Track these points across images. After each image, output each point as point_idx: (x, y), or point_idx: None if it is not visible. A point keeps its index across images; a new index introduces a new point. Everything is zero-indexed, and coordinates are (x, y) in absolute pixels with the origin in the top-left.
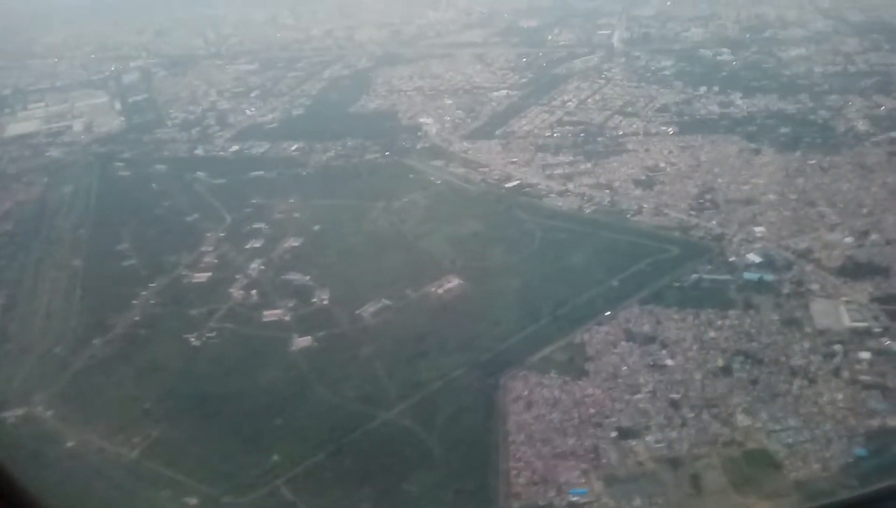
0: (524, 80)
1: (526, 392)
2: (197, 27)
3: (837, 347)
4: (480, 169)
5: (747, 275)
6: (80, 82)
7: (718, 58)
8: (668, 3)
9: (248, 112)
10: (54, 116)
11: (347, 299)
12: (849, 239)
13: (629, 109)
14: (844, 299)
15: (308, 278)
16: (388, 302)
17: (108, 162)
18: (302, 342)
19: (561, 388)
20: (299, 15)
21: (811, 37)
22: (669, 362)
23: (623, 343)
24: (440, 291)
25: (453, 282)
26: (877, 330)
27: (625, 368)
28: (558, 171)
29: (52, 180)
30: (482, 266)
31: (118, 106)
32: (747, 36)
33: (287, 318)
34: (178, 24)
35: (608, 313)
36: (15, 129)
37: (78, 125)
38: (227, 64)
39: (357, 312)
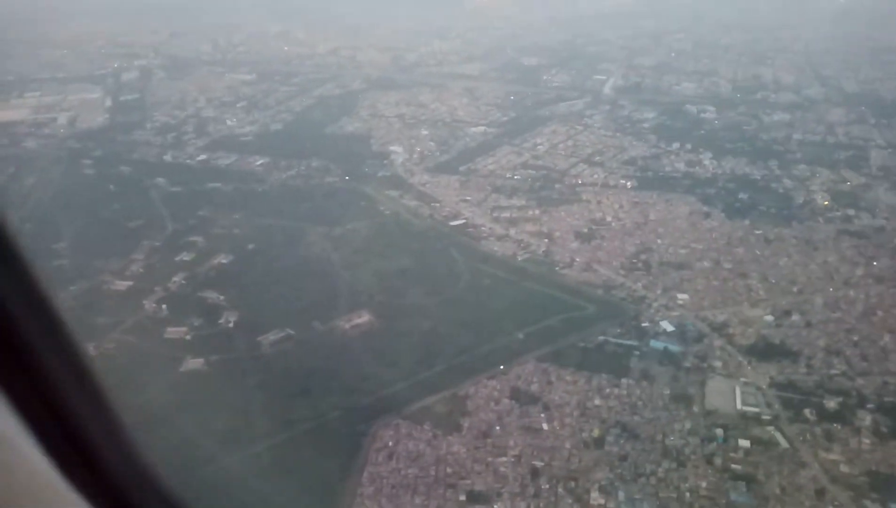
0: (505, 118)
1: (391, 443)
2: (211, 33)
3: (719, 431)
4: (432, 204)
5: (654, 343)
6: (81, 76)
7: (702, 115)
8: (673, 55)
9: (228, 122)
10: (44, 106)
11: (253, 324)
12: (769, 317)
13: (596, 158)
14: (743, 380)
15: (223, 297)
16: (291, 332)
17: (77, 158)
18: (193, 363)
19: (428, 442)
20: (312, 31)
21: (800, 103)
22: (545, 426)
23: (506, 401)
24: (347, 325)
25: (363, 318)
26: (766, 417)
27: (498, 428)
28: (506, 214)
29: (16, 171)
30: (398, 304)
31: (108, 103)
32: (738, 96)
33: (188, 337)
34: (195, 28)
35: (502, 366)
36: (3, 115)
37: (63, 118)
38: (227, 72)
39: (258, 338)
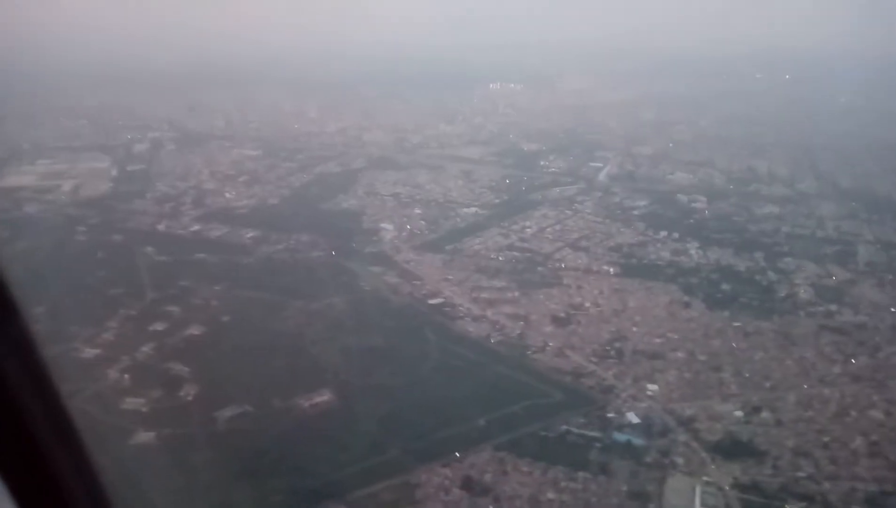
0: (497, 200)
1: None
2: (228, 109)
3: None
4: (414, 281)
5: (617, 436)
6: (94, 145)
7: (692, 204)
8: (671, 145)
9: (227, 195)
10: (52, 174)
11: (212, 399)
12: (738, 413)
13: (582, 243)
14: (705, 479)
15: (187, 370)
16: (249, 408)
17: (72, 225)
18: (145, 436)
19: None
20: (325, 110)
21: (792, 196)
22: None
23: (456, 490)
24: (307, 404)
25: (324, 397)
26: None
27: None
28: (486, 295)
29: (10, 235)
30: (362, 384)
31: (114, 173)
32: (731, 187)
33: (145, 409)
34: (214, 103)
35: (458, 454)
36: (11, 181)
37: (67, 186)
38: (235, 147)
39: (214, 414)
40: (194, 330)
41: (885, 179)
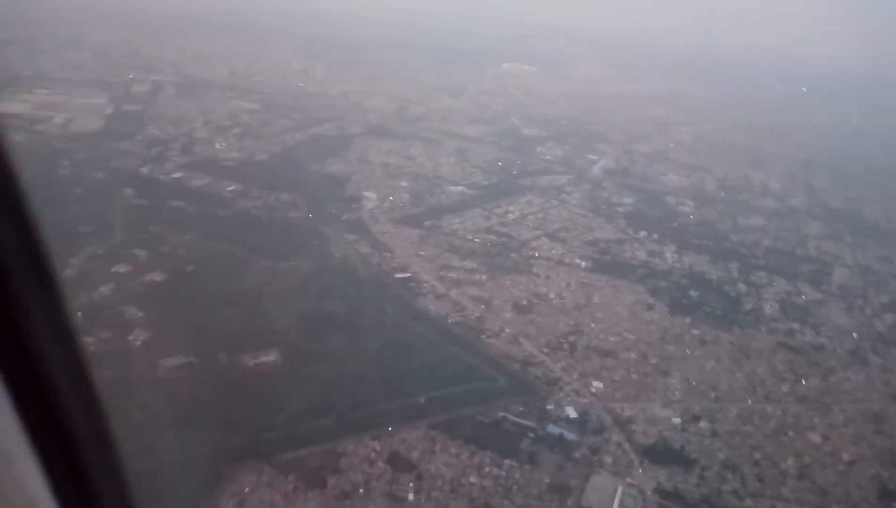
0: (486, 182)
1: (248, 489)
2: (235, 59)
3: None
4: (384, 253)
5: (551, 428)
6: (94, 80)
7: (679, 207)
8: (671, 145)
9: (216, 146)
10: (47, 104)
11: (160, 346)
12: (676, 420)
13: (561, 234)
14: (629, 480)
15: (141, 314)
16: (194, 360)
17: (57, 158)
18: None
19: (285, 494)
20: (333, 72)
21: (780, 210)
22: (411, 496)
23: (381, 464)
24: (252, 362)
25: (271, 357)
26: None
27: (362, 490)
28: (453, 274)
29: None
30: (311, 348)
31: (109, 110)
32: (721, 194)
33: (91, 349)
34: (223, 52)
35: (391, 428)
36: (5, 107)
37: (60, 118)
38: (234, 98)
39: (158, 361)
40: (156, 276)
41: (876, 205)
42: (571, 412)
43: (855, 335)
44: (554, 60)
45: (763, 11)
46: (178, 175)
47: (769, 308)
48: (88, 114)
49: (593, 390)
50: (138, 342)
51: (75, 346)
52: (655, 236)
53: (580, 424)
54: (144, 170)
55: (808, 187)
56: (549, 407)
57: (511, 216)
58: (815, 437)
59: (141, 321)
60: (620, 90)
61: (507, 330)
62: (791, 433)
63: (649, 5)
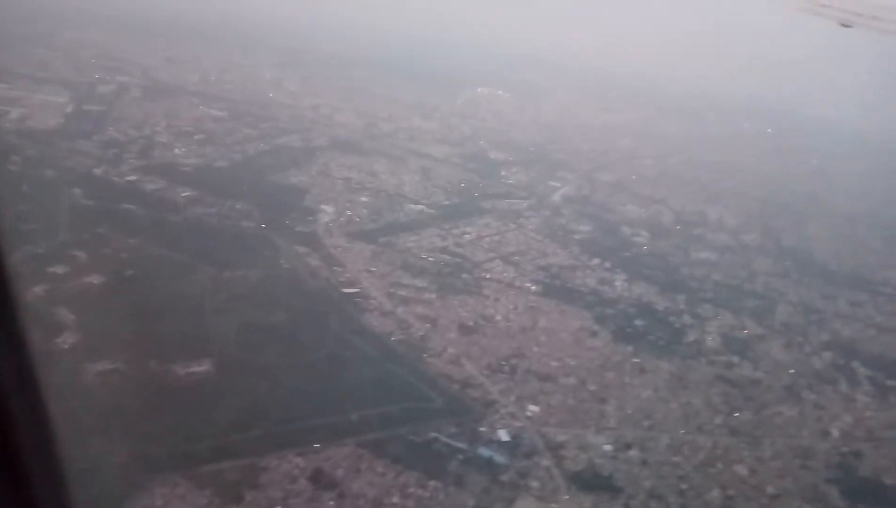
0: (447, 202)
1: (161, 503)
2: (207, 65)
3: None
4: (335, 267)
5: (482, 450)
6: (58, 78)
7: (634, 238)
8: (634, 177)
9: (176, 151)
10: (4, 99)
11: (89, 351)
12: (608, 447)
13: (515, 257)
14: (554, 506)
15: (73, 317)
16: (122, 366)
17: (7, 154)
18: None
19: (208, 506)
20: (307, 84)
21: (733, 246)
22: None
23: (303, 481)
24: (183, 372)
25: (203, 367)
26: None
27: (279, 507)
28: (402, 292)
29: None
30: (246, 360)
31: (69, 109)
32: (677, 227)
33: None
34: (196, 58)
35: (318, 445)
36: None
37: (16, 114)
38: (201, 104)
39: (85, 366)
40: (94, 279)
41: (826, 246)
42: (504, 436)
43: (792, 371)
44: (531, 88)
45: (747, 55)
46: (132, 178)
47: (711, 341)
48: (47, 111)
49: (529, 414)
50: (66, 346)
51: (24, 351)
52: (608, 264)
53: (511, 447)
54: (98, 171)
55: (763, 225)
56: (483, 429)
57: (467, 237)
58: (742, 470)
59: (72, 323)
60: (593, 120)
61: (449, 350)
62: (719, 465)
63: (641, 43)
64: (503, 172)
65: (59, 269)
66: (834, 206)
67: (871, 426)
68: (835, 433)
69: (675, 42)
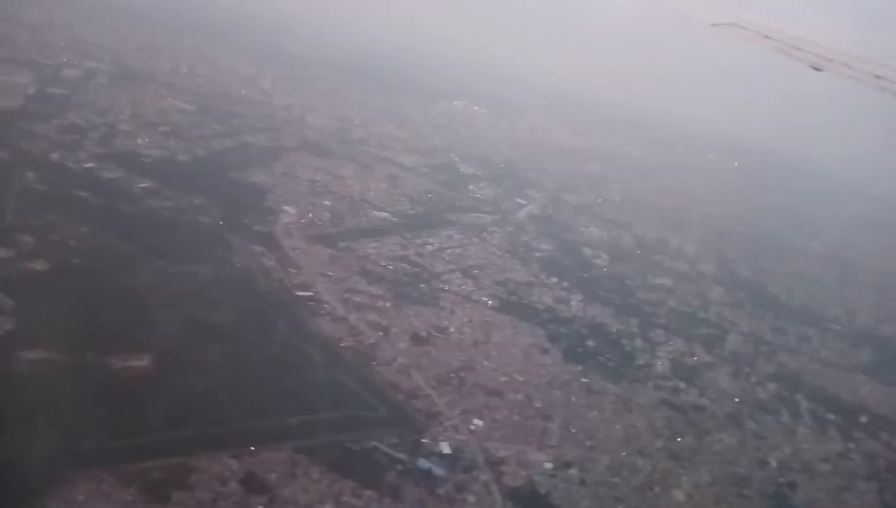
0: (412, 212)
1: (82, 498)
2: (180, 57)
3: None
4: (290, 269)
5: (421, 462)
6: (23, 59)
7: (594, 260)
8: (599, 200)
9: (139, 141)
10: None
11: (23, 338)
12: (548, 465)
13: (474, 271)
14: None
15: (12, 303)
16: (56, 356)
17: None
18: None
19: (131, 505)
20: (281, 84)
21: (689, 274)
22: None
23: (234, 484)
24: (120, 365)
25: (142, 362)
26: None
27: None
28: (357, 298)
29: None
30: (188, 358)
31: (31, 91)
32: (637, 252)
33: None
34: (169, 48)
35: (254, 448)
36: None
37: None
38: (170, 96)
39: (18, 353)
40: (38, 265)
41: (781, 279)
42: (445, 448)
43: (737, 399)
44: (507, 105)
45: (722, 92)
46: (89, 165)
47: (660, 366)
48: (7, 92)
49: (473, 427)
50: (1, 332)
51: None
52: (566, 283)
53: (452, 460)
54: (54, 155)
55: (720, 256)
56: (425, 441)
57: (429, 248)
58: (679, 494)
59: (9, 309)
60: (564, 142)
61: (399, 360)
62: (657, 489)
63: (628, 71)
64: (471, 186)
65: (3, 253)
66: (791, 242)
67: (807, 459)
68: (773, 462)
69: (653, 74)
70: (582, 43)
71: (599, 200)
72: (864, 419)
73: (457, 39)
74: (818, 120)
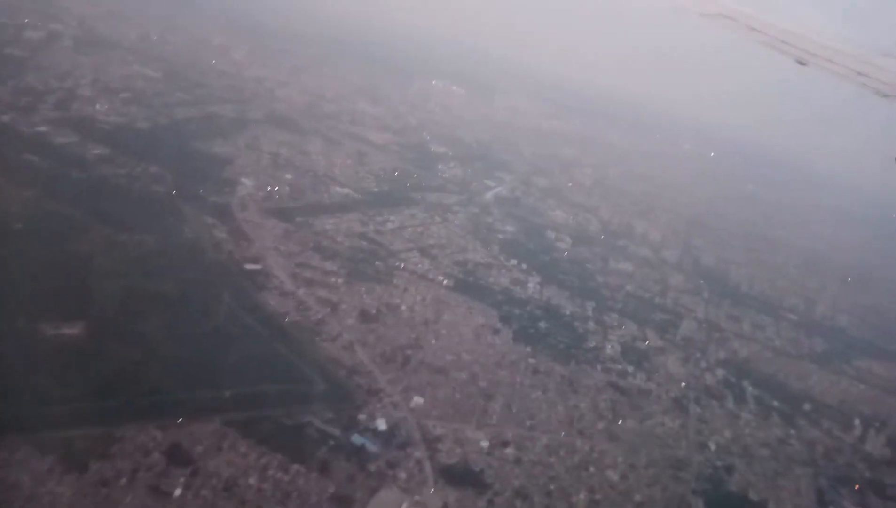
0: (376, 189)
1: None
2: (150, 23)
3: None
4: (241, 242)
5: (354, 438)
6: None
7: (557, 243)
8: (570, 184)
9: (97, 106)
10: None
11: None
12: (484, 443)
13: (433, 250)
14: (417, 498)
15: None
16: None
17: None
18: None
19: (37, 476)
20: (254, 56)
21: (652, 260)
22: (178, 492)
23: (157, 455)
24: (52, 332)
25: (75, 329)
26: None
27: (125, 480)
28: (308, 274)
29: None
30: (125, 327)
31: None
32: (602, 236)
33: None
34: (140, 14)
35: (181, 419)
36: None
37: None
38: (136, 62)
39: None
40: None
41: (744, 268)
42: (382, 425)
43: (683, 384)
44: (488, 87)
45: (706, 82)
46: (42, 129)
47: (610, 349)
48: None
49: (412, 405)
50: None
51: None
52: (524, 265)
53: (387, 437)
54: (5, 118)
55: (685, 243)
56: (361, 417)
57: (390, 226)
58: (613, 475)
59: None
60: (541, 126)
61: (345, 336)
62: (592, 469)
63: (614, 58)
64: (440, 166)
65: None
66: (759, 231)
67: (748, 443)
68: (712, 446)
69: (640, 62)
70: (572, 29)
71: (570, 183)
72: (807, 406)
73: (445, 21)
74: (799, 113)
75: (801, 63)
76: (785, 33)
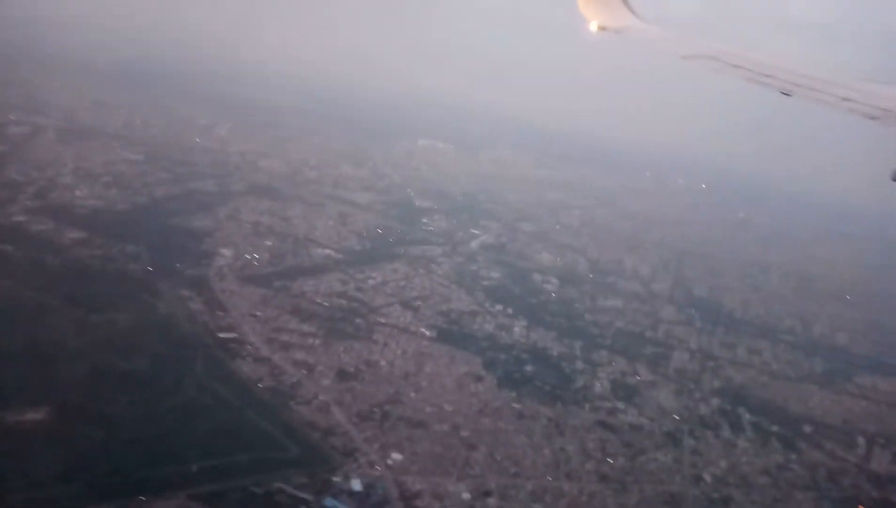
0: (359, 248)
1: None
2: (136, 110)
3: None
4: (217, 312)
5: (328, 501)
6: None
7: (544, 285)
8: (557, 227)
9: (76, 193)
10: None
11: None
12: (466, 495)
13: (416, 302)
14: None
15: None
16: None
17: None
18: None
19: None
20: (239, 131)
21: (642, 294)
22: None
23: None
24: (14, 419)
25: (39, 415)
26: None
27: None
28: (284, 337)
29: None
30: (91, 409)
31: None
32: (590, 275)
33: None
34: (126, 100)
35: (144, 497)
36: None
37: None
38: (119, 147)
39: None
40: None
41: (737, 294)
42: (357, 485)
43: (677, 416)
44: (474, 141)
45: (695, 119)
46: (19, 219)
47: (599, 387)
48: None
49: (390, 462)
50: None
51: None
52: (510, 310)
53: (362, 497)
54: None
55: (677, 275)
56: (336, 479)
57: (371, 282)
58: None
59: None
60: (527, 174)
61: (320, 397)
62: None
63: (597, 101)
64: (424, 220)
65: None
66: (751, 256)
67: (745, 472)
68: (707, 478)
69: (626, 108)
70: (555, 80)
71: (557, 226)
72: (808, 429)
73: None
74: (788, 142)
75: (786, 94)
76: (767, 67)
